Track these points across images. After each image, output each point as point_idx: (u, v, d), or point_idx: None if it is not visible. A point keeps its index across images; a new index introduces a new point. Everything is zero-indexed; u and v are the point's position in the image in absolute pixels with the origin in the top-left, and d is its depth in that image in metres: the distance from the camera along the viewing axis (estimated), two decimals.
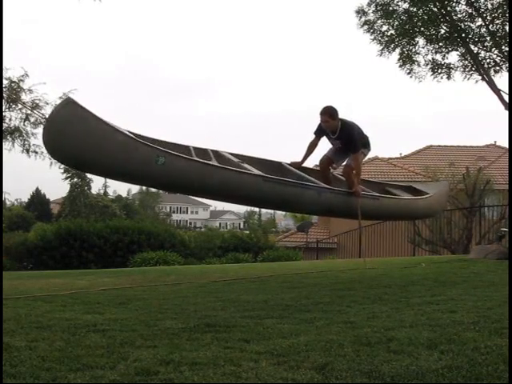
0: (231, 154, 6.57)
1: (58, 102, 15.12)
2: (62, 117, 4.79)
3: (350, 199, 6.50)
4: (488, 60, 13.08)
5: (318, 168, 7.19)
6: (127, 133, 5.25)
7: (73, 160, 5.21)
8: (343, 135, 6.50)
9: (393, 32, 13.12)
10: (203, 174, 5.37)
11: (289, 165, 6.88)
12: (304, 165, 6.98)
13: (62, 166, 31.75)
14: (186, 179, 5.31)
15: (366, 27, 13.25)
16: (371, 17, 13.17)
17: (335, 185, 6.76)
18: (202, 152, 6.36)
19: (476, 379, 2.68)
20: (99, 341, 3.60)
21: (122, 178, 5.56)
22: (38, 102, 17.59)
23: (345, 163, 6.82)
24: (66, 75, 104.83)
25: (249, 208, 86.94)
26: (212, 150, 6.52)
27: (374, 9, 13.05)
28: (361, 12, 13.19)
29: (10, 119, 17.85)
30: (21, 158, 18.64)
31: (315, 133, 6.77)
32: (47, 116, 5.52)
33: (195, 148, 6.31)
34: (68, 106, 4.86)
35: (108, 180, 57.64)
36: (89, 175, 48.07)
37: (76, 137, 4.77)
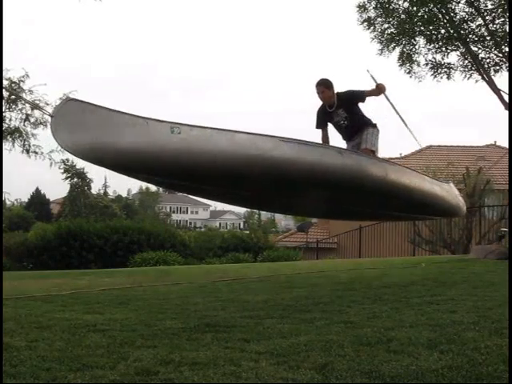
0: None
1: (58, 102, 15.10)
2: (68, 110, 4.79)
3: (375, 162, 5.90)
4: (488, 60, 13.08)
5: None
6: (135, 114, 5.13)
7: (90, 151, 5.03)
8: (343, 101, 6.28)
9: (393, 31, 13.12)
10: (219, 140, 4.99)
11: None
12: None
13: (62, 166, 31.83)
14: (203, 148, 4.94)
15: (365, 24, 13.24)
16: (372, 13, 13.16)
17: None
18: None
19: (476, 379, 2.68)
20: (99, 341, 3.61)
21: (138, 162, 5.18)
22: (38, 102, 17.57)
23: (361, 147, 6.52)
24: (66, 76, 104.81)
25: (251, 209, 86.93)
26: None
27: (374, 6, 13.05)
28: (362, 7, 13.18)
29: (10, 119, 17.85)
30: (21, 158, 18.65)
31: (317, 126, 6.49)
32: (52, 112, 5.40)
33: None
34: (70, 102, 4.88)
35: (108, 180, 57.73)
36: (89, 175, 48.17)
37: (88, 126, 4.74)
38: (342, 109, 6.32)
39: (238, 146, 5.02)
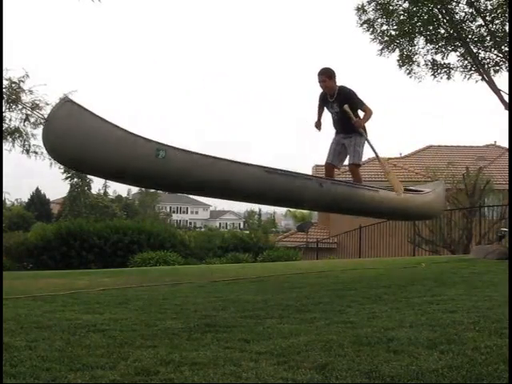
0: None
1: (56, 103, 15.11)
2: (59, 116, 4.77)
3: (353, 190, 6.42)
4: (488, 60, 13.08)
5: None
6: (125, 129, 5.17)
7: (72, 160, 5.13)
8: (341, 97, 6.43)
9: (392, 32, 13.11)
10: (205, 166, 5.20)
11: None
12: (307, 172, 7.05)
13: (62, 166, 31.87)
14: (188, 173, 5.18)
15: (365, 26, 13.23)
16: (371, 15, 13.16)
17: None
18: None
19: (476, 379, 2.68)
20: (99, 341, 3.61)
21: (122, 176, 5.41)
22: (38, 102, 17.59)
23: (348, 161, 6.78)
24: (67, 76, 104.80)
25: (249, 208, 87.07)
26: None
27: (373, 7, 13.04)
28: (361, 9, 13.17)
29: (10, 120, 17.86)
30: (21, 158, 18.66)
31: (318, 104, 6.77)
32: (46, 116, 5.41)
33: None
34: (65, 105, 4.85)
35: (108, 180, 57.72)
36: (89, 175, 48.16)
37: (74, 136, 4.73)
38: (336, 103, 6.52)
39: (223, 174, 5.34)
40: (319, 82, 6.45)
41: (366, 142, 6.64)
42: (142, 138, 4.95)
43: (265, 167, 5.74)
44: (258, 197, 6.23)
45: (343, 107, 6.41)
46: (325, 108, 6.71)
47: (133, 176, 5.28)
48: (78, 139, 4.74)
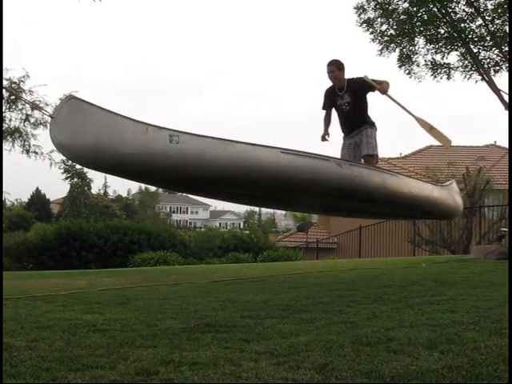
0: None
1: (58, 102, 15.10)
2: (69, 112, 4.72)
3: (374, 173, 5.99)
4: (488, 60, 13.09)
5: None
6: (135, 118, 5.07)
7: (86, 155, 4.94)
8: (351, 86, 6.32)
9: (392, 32, 13.12)
10: (219, 150, 4.95)
11: None
12: None
13: (62, 166, 31.80)
14: (202, 158, 4.90)
15: (365, 26, 13.23)
16: (370, 14, 13.16)
17: None
18: None
19: (476, 379, 2.68)
20: (99, 341, 3.60)
21: (137, 168, 5.15)
22: (38, 102, 17.58)
23: (362, 154, 6.44)
24: (67, 76, 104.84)
25: (249, 208, 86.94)
26: None
27: (373, 6, 13.03)
28: (360, 9, 13.16)
29: (10, 120, 17.87)
30: (21, 158, 18.66)
31: (323, 107, 6.60)
32: (52, 113, 5.33)
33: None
34: (71, 102, 4.82)
35: (108, 180, 57.72)
36: (89, 175, 48.14)
37: (87, 132, 4.67)
38: (348, 93, 6.37)
39: (237, 157, 5.02)
40: (328, 72, 6.32)
41: (376, 131, 6.39)
42: (153, 125, 4.81)
43: (280, 148, 5.25)
44: (271, 183, 5.36)
45: (364, 77, 6.21)
46: (332, 110, 6.53)
47: (149, 168, 4.92)
48: (91, 135, 4.65)
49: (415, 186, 6.43)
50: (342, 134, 6.61)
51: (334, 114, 6.59)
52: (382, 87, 6.15)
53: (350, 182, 5.70)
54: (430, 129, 6.46)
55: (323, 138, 6.60)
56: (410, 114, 6.36)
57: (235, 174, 5.10)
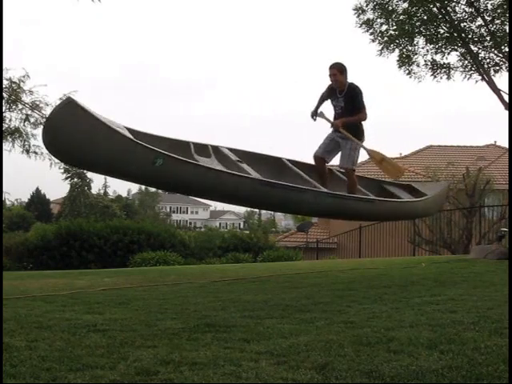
0: (231, 149, 6.55)
1: (58, 102, 15.10)
2: (61, 116, 4.78)
3: (347, 202, 6.52)
4: (488, 60, 13.08)
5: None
6: (126, 133, 5.23)
7: (72, 159, 5.30)
8: (349, 94, 6.50)
9: (392, 32, 13.11)
10: (200, 176, 5.39)
11: (288, 160, 6.89)
12: (302, 160, 7.08)
13: (62, 166, 31.87)
14: (184, 181, 5.35)
15: (364, 26, 13.22)
16: (370, 15, 13.14)
17: (333, 184, 6.72)
18: (202, 148, 6.35)
19: (476, 379, 2.68)
20: (99, 341, 3.61)
21: (120, 177, 5.58)
22: (38, 102, 17.58)
23: (340, 163, 6.78)
24: (67, 77, 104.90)
25: (249, 208, 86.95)
26: (212, 146, 6.49)
27: (372, 7, 13.02)
28: (359, 9, 13.15)
29: (10, 120, 17.86)
30: (21, 158, 18.65)
31: (321, 95, 6.79)
32: (47, 115, 5.52)
33: (195, 144, 6.29)
34: (67, 106, 4.85)
35: (108, 180, 57.74)
36: (89, 175, 48.24)
37: (75, 136, 4.77)
38: (343, 98, 6.57)
39: (219, 185, 5.54)
40: (330, 75, 6.49)
41: (361, 146, 6.71)
42: (141, 144, 5.02)
43: (259, 179, 5.86)
44: (252, 205, 6.85)
45: (318, 113, 6.63)
46: (328, 100, 6.73)
47: (129, 178, 5.53)
48: (78, 140, 4.78)
49: (388, 208, 7.14)
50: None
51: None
52: (335, 124, 6.52)
53: (322, 210, 6.56)
54: (381, 161, 6.90)
55: (312, 115, 6.80)
56: (363, 147, 6.77)
57: (214, 194, 5.83)
